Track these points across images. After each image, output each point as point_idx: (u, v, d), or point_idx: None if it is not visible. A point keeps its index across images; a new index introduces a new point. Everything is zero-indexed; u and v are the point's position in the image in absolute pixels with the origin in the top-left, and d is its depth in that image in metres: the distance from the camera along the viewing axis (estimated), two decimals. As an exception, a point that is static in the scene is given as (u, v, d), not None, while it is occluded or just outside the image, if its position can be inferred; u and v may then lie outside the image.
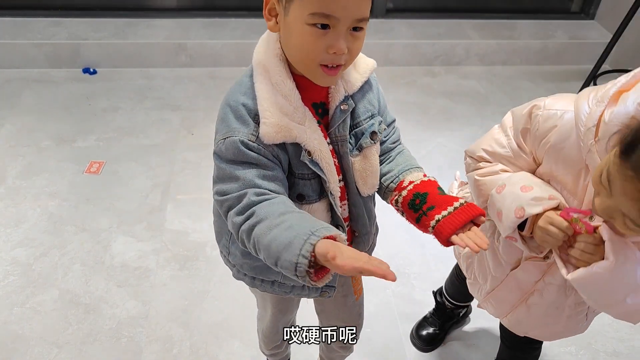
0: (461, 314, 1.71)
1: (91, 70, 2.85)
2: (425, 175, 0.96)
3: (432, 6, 3.28)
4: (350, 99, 0.90)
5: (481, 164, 1.04)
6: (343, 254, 0.66)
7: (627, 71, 0.86)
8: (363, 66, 0.93)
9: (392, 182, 0.97)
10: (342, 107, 0.89)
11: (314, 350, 1.54)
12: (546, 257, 1.00)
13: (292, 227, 0.73)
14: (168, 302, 1.77)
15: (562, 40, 3.15)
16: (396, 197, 0.96)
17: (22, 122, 2.49)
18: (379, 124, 0.95)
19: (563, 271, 0.92)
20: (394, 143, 1.02)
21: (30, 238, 1.95)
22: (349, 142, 0.92)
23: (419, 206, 0.90)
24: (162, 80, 2.84)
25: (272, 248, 0.73)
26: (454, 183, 1.30)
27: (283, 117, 0.82)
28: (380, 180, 0.98)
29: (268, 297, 1.19)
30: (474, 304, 1.68)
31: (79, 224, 2.02)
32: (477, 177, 1.03)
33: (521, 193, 0.93)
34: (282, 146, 0.84)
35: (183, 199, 2.15)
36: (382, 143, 1.00)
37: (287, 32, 0.80)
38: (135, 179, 2.23)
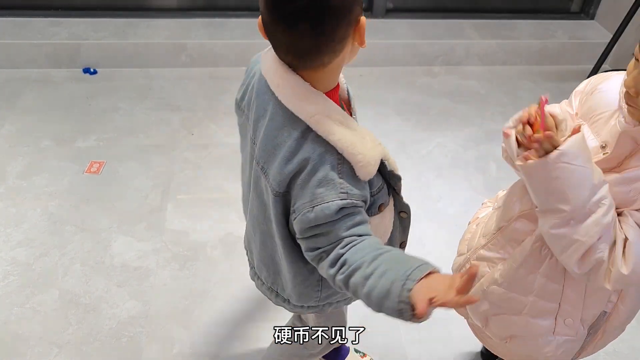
0: None
1: (91, 70, 2.85)
2: None
3: (432, 6, 3.28)
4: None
5: None
6: (439, 293, 0.68)
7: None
8: None
9: None
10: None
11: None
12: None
13: (386, 273, 0.76)
14: (168, 302, 1.77)
15: (562, 40, 3.15)
16: None
17: (22, 122, 2.49)
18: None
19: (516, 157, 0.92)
20: None
21: (30, 238, 1.95)
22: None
23: None
24: (162, 80, 2.84)
25: (372, 297, 0.77)
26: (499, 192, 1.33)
27: (367, 150, 0.85)
28: None
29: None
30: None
31: (79, 224, 2.02)
32: None
33: None
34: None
35: (183, 199, 2.15)
36: None
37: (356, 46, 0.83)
38: (135, 179, 2.23)
